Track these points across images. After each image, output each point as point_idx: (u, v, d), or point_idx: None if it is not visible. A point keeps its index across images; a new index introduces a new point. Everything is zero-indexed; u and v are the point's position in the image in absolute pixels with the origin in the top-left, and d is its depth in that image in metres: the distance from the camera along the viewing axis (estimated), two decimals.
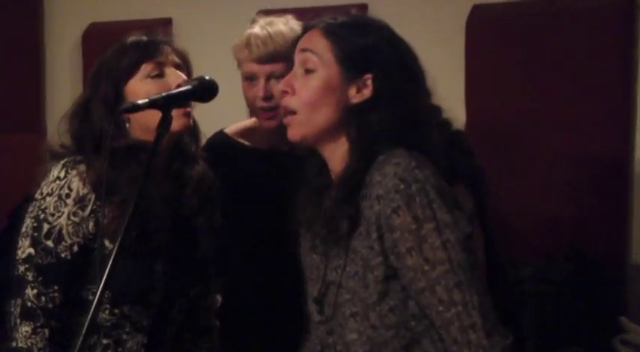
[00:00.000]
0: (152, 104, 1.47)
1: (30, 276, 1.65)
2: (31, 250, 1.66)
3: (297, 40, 1.50)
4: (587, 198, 2.68)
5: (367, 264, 1.36)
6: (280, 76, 1.87)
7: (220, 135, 2.07)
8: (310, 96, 1.41)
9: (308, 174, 1.50)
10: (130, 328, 1.68)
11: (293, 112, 1.43)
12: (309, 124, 1.42)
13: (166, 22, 3.53)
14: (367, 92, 1.41)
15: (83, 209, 1.65)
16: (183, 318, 1.78)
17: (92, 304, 1.32)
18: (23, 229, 1.69)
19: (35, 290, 1.65)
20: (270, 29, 1.93)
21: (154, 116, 1.48)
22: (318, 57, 1.42)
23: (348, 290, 1.39)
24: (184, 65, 1.72)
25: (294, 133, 1.44)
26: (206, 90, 1.56)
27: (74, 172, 1.66)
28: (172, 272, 1.71)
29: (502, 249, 1.81)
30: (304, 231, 1.51)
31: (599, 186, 2.68)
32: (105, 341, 1.68)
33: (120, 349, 1.68)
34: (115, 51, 1.71)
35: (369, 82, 1.42)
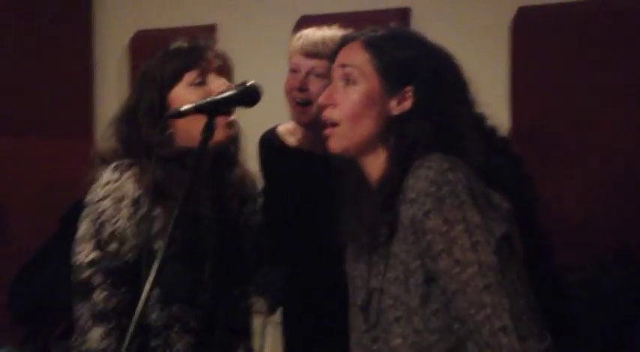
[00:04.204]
0: (197, 109, 1.49)
1: (98, 280, 1.67)
2: (96, 254, 1.68)
3: (334, 52, 1.50)
4: (639, 200, 2.62)
5: (407, 268, 1.37)
6: (320, 74, 1.95)
7: (269, 134, 2.13)
8: (352, 108, 1.42)
9: (348, 186, 1.50)
10: (179, 329, 1.70)
11: (335, 124, 1.44)
12: (351, 136, 1.43)
13: (211, 29, 3.56)
14: (407, 104, 1.43)
15: (138, 210, 1.68)
16: (227, 319, 1.80)
17: (139, 304, 1.34)
18: (81, 233, 1.70)
19: (105, 293, 1.67)
20: (326, 30, 1.99)
21: (197, 124, 1.51)
22: (359, 70, 1.43)
23: (390, 296, 1.39)
24: (226, 68, 1.75)
25: (336, 146, 1.45)
26: (250, 95, 1.58)
27: (127, 174, 1.68)
28: (219, 272, 1.73)
29: (551, 256, 1.79)
30: (350, 243, 1.51)
31: None
32: (153, 343, 1.70)
33: (168, 350, 1.70)
34: (159, 58, 1.73)
35: (410, 94, 1.43)
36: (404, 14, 3.07)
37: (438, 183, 1.33)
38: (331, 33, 1.99)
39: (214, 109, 1.50)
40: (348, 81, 1.44)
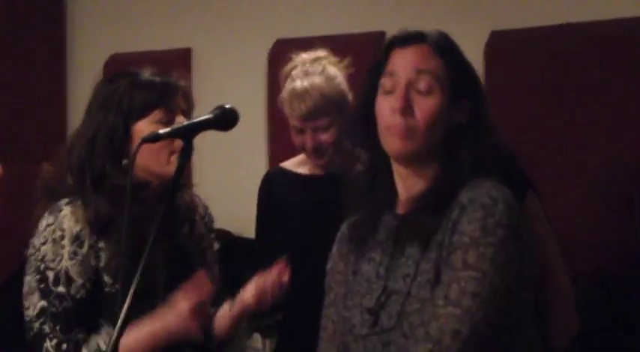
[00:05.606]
0: (174, 134, 1.48)
1: (47, 328, 1.63)
2: (43, 303, 1.64)
3: (389, 45, 1.46)
4: (615, 221, 2.65)
5: (439, 273, 1.35)
6: (324, 128, 2.07)
7: (275, 169, 2.27)
8: (431, 118, 1.41)
9: (367, 191, 1.48)
10: None
11: (408, 129, 1.41)
12: (423, 142, 1.41)
13: (186, 53, 3.56)
14: (464, 116, 1.43)
15: (81, 246, 1.66)
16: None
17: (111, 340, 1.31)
18: (26, 288, 1.67)
19: (55, 341, 1.63)
20: (307, 84, 2.07)
21: (155, 156, 1.57)
22: (436, 78, 1.41)
23: (417, 299, 1.36)
24: (189, 110, 1.75)
25: (406, 148, 1.41)
26: (227, 119, 1.57)
27: (62, 214, 1.66)
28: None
29: None
30: (346, 244, 1.50)
31: (626, 209, 2.65)
32: None
33: None
34: (126, 85, 1.70)
35: (466, 107, 1.43)
36: (379, 38, 3.09)
37: (496, 200, 1.33)
38: (312, 81, 2.06)
39: (192, 133, 1.50)
40: (425, 88, 1.41)
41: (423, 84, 1.41)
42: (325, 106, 2.04)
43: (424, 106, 1.41)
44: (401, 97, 1.40)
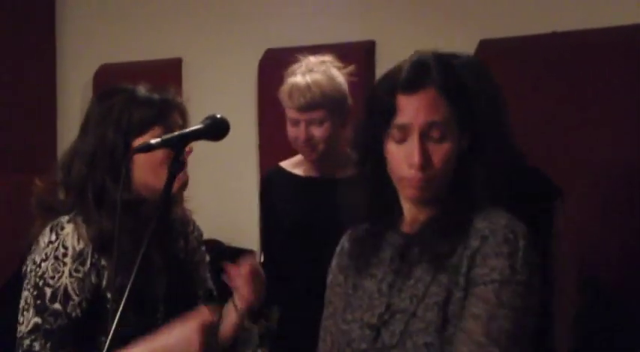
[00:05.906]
0: (165, 143, 1.49)
1: (37, 346, 1.62)
2: (37, 319, 1.63)
3: (392, 88, 1.43)
4: (615, 221, 2.66)
5: (450, 296, 1.38)
6: (319, 122, 2.12)
7: (274, 168, 2.32)
8: (448, 161, 1.42)
9: (370, 205, 1.49)
10: None
11: (429, 180, 1.42)
12: (440, 186, 1.43)
13: (176, 63, 3.57)
14: (465, 143, 1.44)
15: (83, 264, 1.66)
16: None
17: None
18: (22, 304, 1.66)
19: None
20: (309, 78, 2.13)
21: (154, 172, 1.58)
22: (446, 125, 1.42)
23: (423, 320, 1.38)
24: (184, 126, 1.75)
25: (422, 195, 1.43)
26: (218, 129, 1.58)
27: (64, 231, 1.66)
28: (172, 317, 1.71)
29: None
30: (352, 261, 1.51)
31: (615, 214, 2.66)
32: None
33: None
34: (126, 102, 1.70)
35: (467, 134, 1.44)
36: (368, 47, 3.11)
37: (516, 234, 1.38)
38: (315, 77, 2.10)
39: (183, 143, 1.50)
40: (439, 137, 1.41)
41: (436, 133, 1.41)
42: (323, 101, 2.10)
43: (440, 153, 1.41)
44: (419, 154, 1.40)
